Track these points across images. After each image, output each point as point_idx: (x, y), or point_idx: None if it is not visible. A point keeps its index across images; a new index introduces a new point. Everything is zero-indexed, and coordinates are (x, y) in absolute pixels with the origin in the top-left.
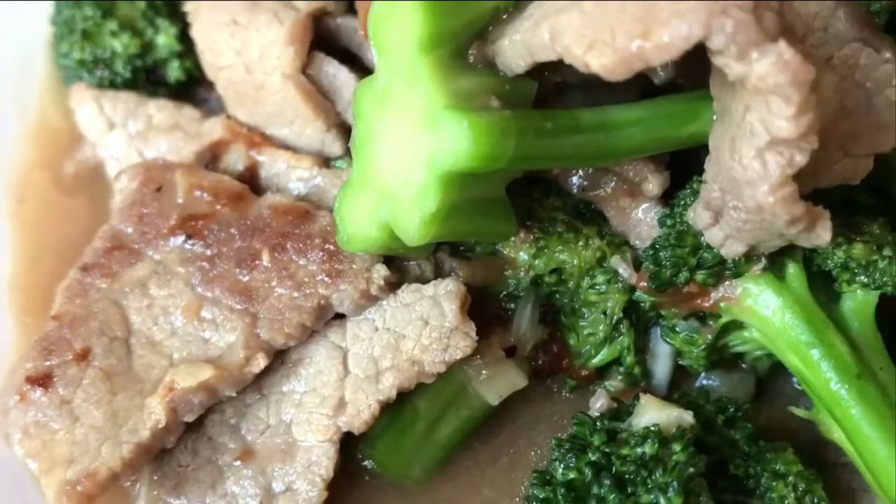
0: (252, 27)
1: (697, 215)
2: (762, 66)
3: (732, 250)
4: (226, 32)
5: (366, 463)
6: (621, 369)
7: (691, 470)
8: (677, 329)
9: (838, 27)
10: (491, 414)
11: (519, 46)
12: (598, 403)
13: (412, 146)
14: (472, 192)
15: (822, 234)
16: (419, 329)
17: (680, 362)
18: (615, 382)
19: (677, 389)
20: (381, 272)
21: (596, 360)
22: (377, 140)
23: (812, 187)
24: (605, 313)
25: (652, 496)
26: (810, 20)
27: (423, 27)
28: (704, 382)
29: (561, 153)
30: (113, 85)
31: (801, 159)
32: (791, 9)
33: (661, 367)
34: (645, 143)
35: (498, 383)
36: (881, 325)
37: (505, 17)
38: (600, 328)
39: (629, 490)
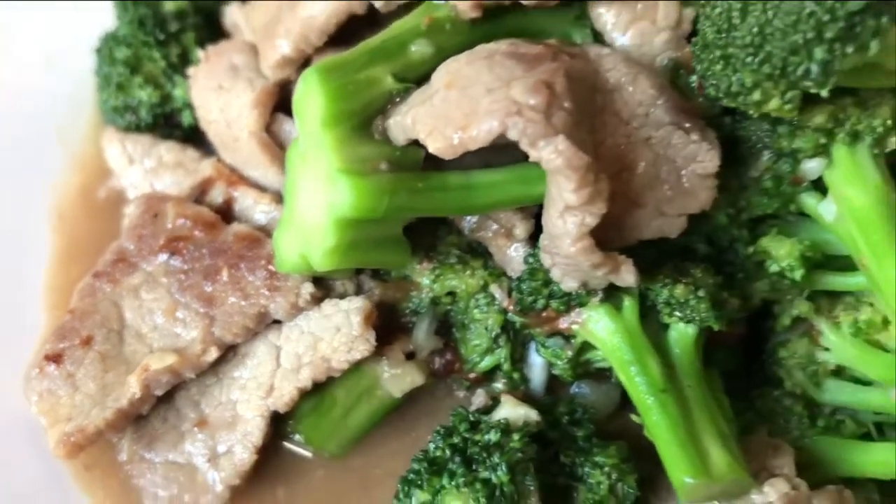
0: (233, 92)
1: (542, 257)
2: (546, 153)
3: (568, 286)
4: (213, 95)
5: (295, 437)
6: (502, 374)
7: (520, 455)
8: (547, 345)
9: (657, 114)
10: (399, 404)
11: (399, 126)
12: (478, 400)
13: (318, 196)
14: (368, 231)
15: (626, 277)
16: (332, 334)
17: (553, 372)
18: (500, 385)
19: (554, 394)
20: (307, 289)
21: (481, 366)
22: (298, 189)
23: (636, 239)
24: (486, 329)
25: (487, 473)
26: (635, 107)
27: (324, 109)
28: (576, 390)
29: (431, 206)
30: (138, 128)
31: (591, 221)
32: (620, 97)
33: (537, 375)
34: (501, 201)
35: (400, 380)
36: (724, 349)
37: (398, 100)
38: (483, 341)
39: (473, 467)
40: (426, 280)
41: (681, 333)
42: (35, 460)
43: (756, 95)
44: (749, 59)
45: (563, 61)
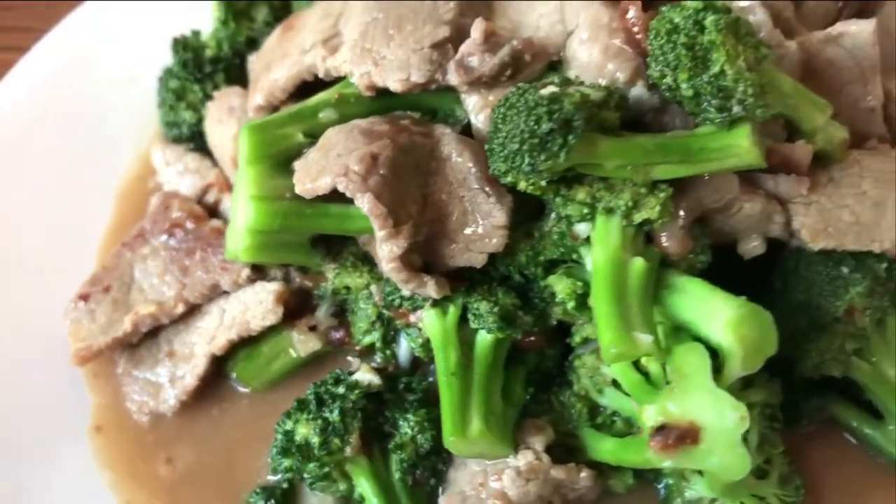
0: (227, 126)
1: None
2: (360, 203)
3: (405, 292)
4: (216, 126)
5: (232, 375)
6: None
7: (351, 404)
8: (408, 332)
9: (470, 180)
10: (308, 362)
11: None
12: (353, 365)
13: (241, 210)
14: (275, 238)
15: (430, 292)
16: (256, 305)
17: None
18: (378, 358)
19: (418, 368)
20: (245, 272)
21: (363, 342)
22: (236, 202)
23: (454, 265)
24: (367, 316)
25: (327, 413)
26: (456, 173)
27: (248, 153)
28: (432, 367)
29: (316, 227)
30: (181, 139)
31: (397, 251)
32: (448, 165)
33: (402, 353)
34: (368, 227)
35: (305, 344)
36: (538, 353)
37: (305, 150)
38: (365, 324)
39: (322, 408)
40: (331, 275)
41: (482, 337)
42: (64, 366)
43: (509, 178)
44: (500, 153)
45: (401, 138)
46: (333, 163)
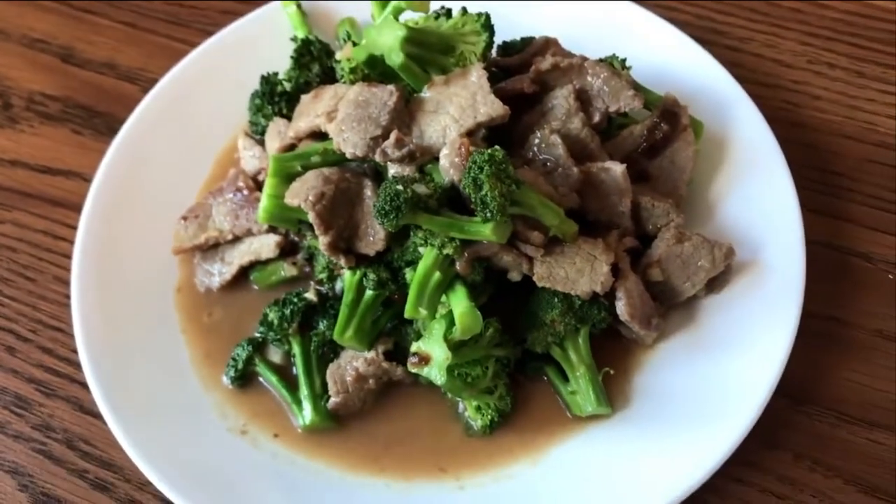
0: (273, 141)
1: None
2: (309, 217)
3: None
4: (268, 140)
5: (251, 277)
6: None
7: (296, 307)
8: (342, 278)
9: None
10: (291, 280)
11: None
12: (310, 287)
13: (262, 196)
14: (278, 214)
15: (341, 263)
16: (265, 245)
17: None
18: (326, 287)
19: None
20: (265, 227)
21: (319, 277)
22: (263, 191)
23: (361, 252)
24: (322, 263)
25: (284, 309)
26: (368, 207)
27: (270, 169)
28: None
29: (297, 216)
30: (257, 134)
31: (325, 240)
32: (366, 202)
33: (339, 288)
34: None
35: (289, 271)
36: (398, 303)
37: (298, 178)
38: (320, 267)
39: (284, 306)
40: (308, 238)
41: (368, 291)
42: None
43: (378, 221)
44: (375, 207)
45: (342, 183)
46: (303, 192)
